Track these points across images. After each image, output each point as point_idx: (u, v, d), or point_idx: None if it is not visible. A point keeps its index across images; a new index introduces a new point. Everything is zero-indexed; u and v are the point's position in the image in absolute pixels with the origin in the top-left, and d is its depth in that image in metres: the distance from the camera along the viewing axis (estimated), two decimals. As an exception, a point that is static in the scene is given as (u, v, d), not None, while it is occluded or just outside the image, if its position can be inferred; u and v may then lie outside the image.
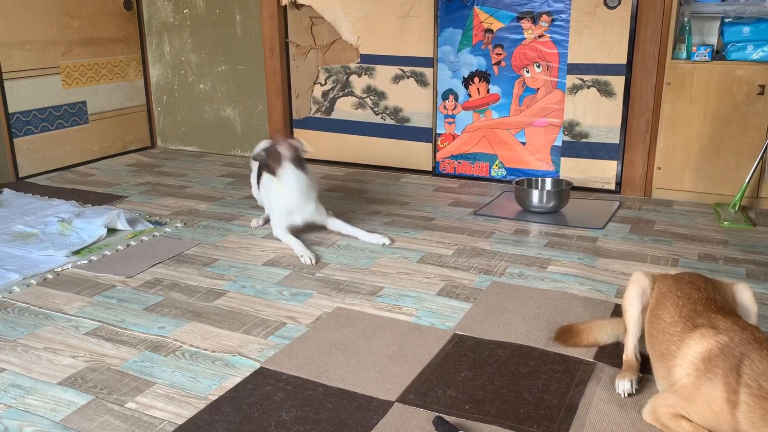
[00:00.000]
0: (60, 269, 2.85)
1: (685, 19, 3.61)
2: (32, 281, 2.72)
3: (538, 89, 3.98)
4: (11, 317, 2.42)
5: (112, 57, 4.85)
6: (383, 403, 1.87)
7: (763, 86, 3.47)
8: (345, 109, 4.57)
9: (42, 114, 4.41)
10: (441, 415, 1.80)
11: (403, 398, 1.90)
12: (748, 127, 3.54)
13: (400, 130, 4.43)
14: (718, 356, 1.55)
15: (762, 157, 3.43)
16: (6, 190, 3.97)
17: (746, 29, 3.47)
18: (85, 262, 2.92)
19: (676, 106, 3.67)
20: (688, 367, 1.60)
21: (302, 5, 4.48)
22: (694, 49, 3.58)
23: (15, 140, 4.26)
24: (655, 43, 3.65)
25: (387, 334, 2.27)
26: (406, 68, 4.32)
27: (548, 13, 3.84)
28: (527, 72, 3.97)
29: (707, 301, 1.77)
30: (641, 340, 1.96)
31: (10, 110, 4.20)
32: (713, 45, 3.63)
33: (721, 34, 3.61)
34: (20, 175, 4.32)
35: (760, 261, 2.90)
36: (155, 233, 3.28)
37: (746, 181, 3.46)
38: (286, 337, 2.26)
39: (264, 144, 3.24)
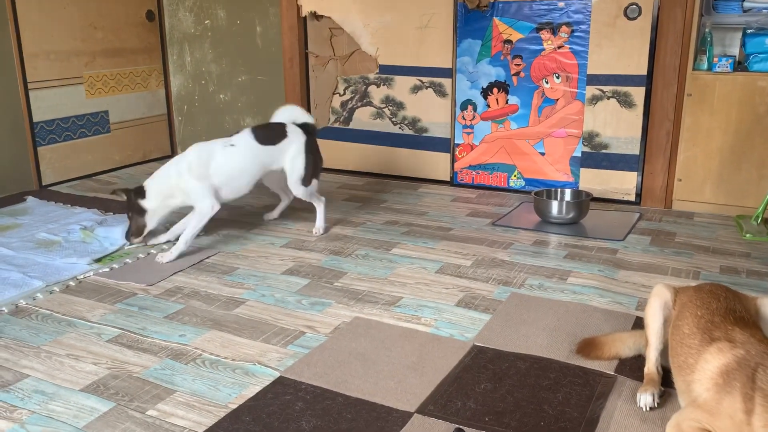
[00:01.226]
0: (82, 277, 2.88)
1: (707, 30, 3.59)
2: (55, 288, 2.76)
3: (557, 100, 3.97)
4: (35, 324, 2.46)
5: (134, 67, 4.91)
6: (402, 414, 1.87)
7: (786, 98, 3.44)
8: (363, 119, 4.59)
9: (65, 123, 4.47)
10: (461, 426, 1.79)
11: (423, 409, 1.89)
12: (770, 139, 3.51)
13: (419, 140, 4.44)
14: (735, 370, 1.53)
15: (785, 169, 3.40)
16: (29, 198, 4.03)
17: (769, 40, 3.45)
18: (107, 269, 2.95)
19: (697, 117, 3.64)
20: (707, 382, 1.59)
21: (322, 16, 4.52)
22: (715, 60, 3.56)
23: (39, 149, 4.32)
24: (675, 54, 3.63)
25: (406, 345, 2.27)
26: (424, 79, 4.33)
27: (568, 24, 3.84)
28: (546, 83, 3.97)
29: (726, 312, 1.75)
30: (663, 353, 1.94)
31: (35, 119, 4.27)
32: (735, 56, 3.60)
33: (743, 45, 3.59)
34: (43, 183, 4.38)
35: (783, 274, 2.87)
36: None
37: (769, 193, 3.42)
38: (305, 346, 2.27)
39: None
